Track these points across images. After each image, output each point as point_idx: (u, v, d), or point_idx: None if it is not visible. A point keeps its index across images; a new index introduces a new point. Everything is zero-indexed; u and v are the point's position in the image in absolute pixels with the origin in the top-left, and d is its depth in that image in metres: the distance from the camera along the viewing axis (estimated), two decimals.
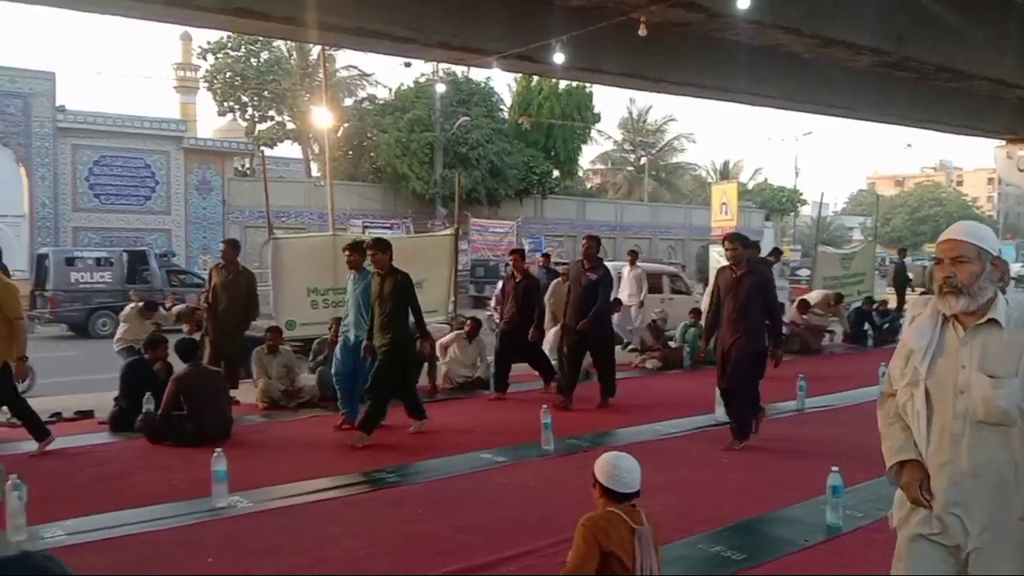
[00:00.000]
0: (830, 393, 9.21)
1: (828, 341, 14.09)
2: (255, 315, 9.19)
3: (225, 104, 36.24)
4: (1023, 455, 2.28)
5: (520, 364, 9.54)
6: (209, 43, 35.55)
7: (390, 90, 36.17)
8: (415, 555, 4.35)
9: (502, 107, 37.14)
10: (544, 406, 6.97)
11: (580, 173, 46.78)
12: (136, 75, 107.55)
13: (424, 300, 10.26)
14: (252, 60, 35.40)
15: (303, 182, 34.01)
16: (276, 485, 5.66)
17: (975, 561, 2.31)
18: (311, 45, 31.73)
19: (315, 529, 4.79)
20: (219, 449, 5.28)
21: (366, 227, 27.24)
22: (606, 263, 9.03)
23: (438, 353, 9.53)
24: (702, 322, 9.24)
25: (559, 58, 11.35)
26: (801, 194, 56.64)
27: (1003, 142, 20.25)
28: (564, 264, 14.16)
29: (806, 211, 61.46)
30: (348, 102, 36.44)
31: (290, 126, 37.27)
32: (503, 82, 39.81)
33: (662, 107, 67.09)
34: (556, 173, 38.06)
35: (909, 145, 73.12)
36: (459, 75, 34.00)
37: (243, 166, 35.99)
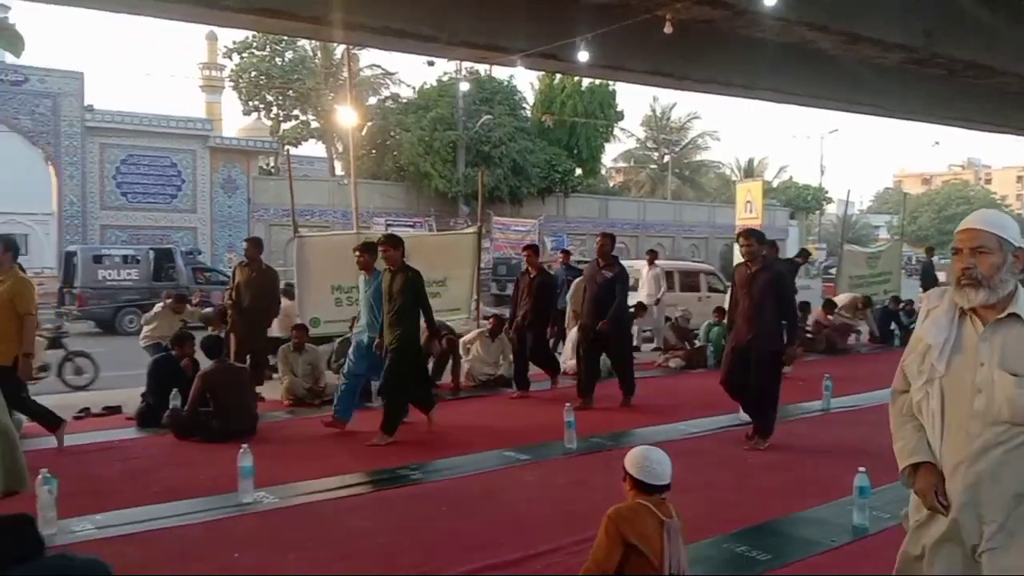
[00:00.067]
0: (856, 393, 9.12)
1: (854, 341, 13.96)
2: (277, 312, 9.27)
3: (250, 103, 36.53)
4: None
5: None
6: (234, 43, 35.86)
7: (414, 89, 36.28)
8: (440, 551, 4.36)
9: (525, 105, 37.12)
10: (567, 404, 6.95)
11: (603, 171, 46.64)
12: (162, 75, 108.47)
13: (447, 298, 10.36)
14: (277, 59, 35.64)
15: (327, 180, 34.21)
16: (301, 481, 5.70)
17: (989, 560, 2.23)
18: (335, 44, 31.92)
19: (340, 525, 4.82)
20: (245, 445, 5.32)
21: (389, 225, 27.37)
22: (629, 261, 8.98)
23: (461, 351, 9.55)
24: (726, 321, 9.17)
25: (583, 56, 11.33)
26: (827, 192, 56.21)
27: None
28: (585, 262, 14.16)
29: (831, 209, 60.98)
30: (372, 101, 36.59)
31: (314, 125, 37.50)
32: (526, 80, 39.83)
33: (686, 104, 66.68)
34: (579, 171, 37.99)
35: (937, 143, 72.59)
36: (482, 73, 34.05)
37: (268, 165, 36.26)
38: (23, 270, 8.60)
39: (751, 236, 6.73)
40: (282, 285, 9.70)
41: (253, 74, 35.54)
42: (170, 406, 7.21)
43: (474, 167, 31.11)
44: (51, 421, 6.61)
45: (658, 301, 13.12)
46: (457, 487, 5.68)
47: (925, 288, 17.17)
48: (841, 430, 7.66)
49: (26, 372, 6.13)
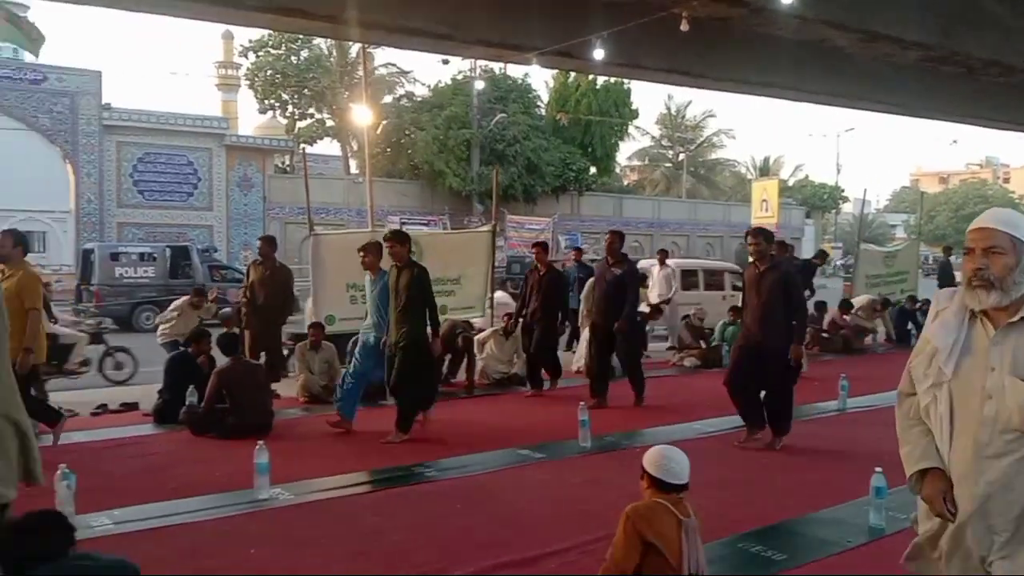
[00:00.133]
0: (873, 393, 9.05)
1: (871, 341, 13.88)
2: (291, 310, 9.30)
3: (266, 102, 36.69)
4: None
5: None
6: (250, 41, 36.02)
7: (428, 87, 36.33)
8: (455, 549, 4.37)
9: (539, 103, 37.11)
10: (581, 403, 6.95)
11: (617, 169, 46.59)
12: (179, 73, 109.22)
13: (462, 296, 10.37)
14: (292, 58, 35.78)
15: (342, 179, 34.33)
16: (316, 478, 5.72)
17: (999, 568, 2.15)
18: (350, 43, 32.01)
19: (355, 522, 4.84)
20: (261, 442, 5.35)
21: (403, 223, 27.42)
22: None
23: (475, 349, 9.56)
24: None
25: (599, 54, 11.32)
26: (843, 191, 55.87)
27: None
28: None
29: (848, 208, 60.62)
30: (387, 100, 36.67)
31: (329, 123, 37.62)
32: (540, 79, 39.76)
33: (701, 102, 66.55)
34: (593, 170, 37.95)
35: (955, 141, 71.93)
36: (497, 72, 34.06)
37: (283, 163, 36.41)
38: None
39: (759, 235, 6.69)
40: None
41: (269, 73, 35.69)
42: (186, 403, 7.25)
43: (488, 165, 31.13)
44: (50, 418, 6.58)
45: (668, 301, 13.02)
46: (471, 485, 5.69)
47: (940, 287, 17.08)
48: (857, 430, 7.62)
49: (24, 366, 6.02)
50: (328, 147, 40.90)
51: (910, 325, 14.29)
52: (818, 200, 54.22)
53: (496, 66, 32.90)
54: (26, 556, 2.41)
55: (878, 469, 4.66)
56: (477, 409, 8.49)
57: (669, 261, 13.92)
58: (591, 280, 10.58)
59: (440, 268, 10.18)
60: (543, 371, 9.32)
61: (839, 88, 14.68)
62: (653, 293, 12.88)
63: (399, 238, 7.02)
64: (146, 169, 28.62)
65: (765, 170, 54.10)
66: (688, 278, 14.83)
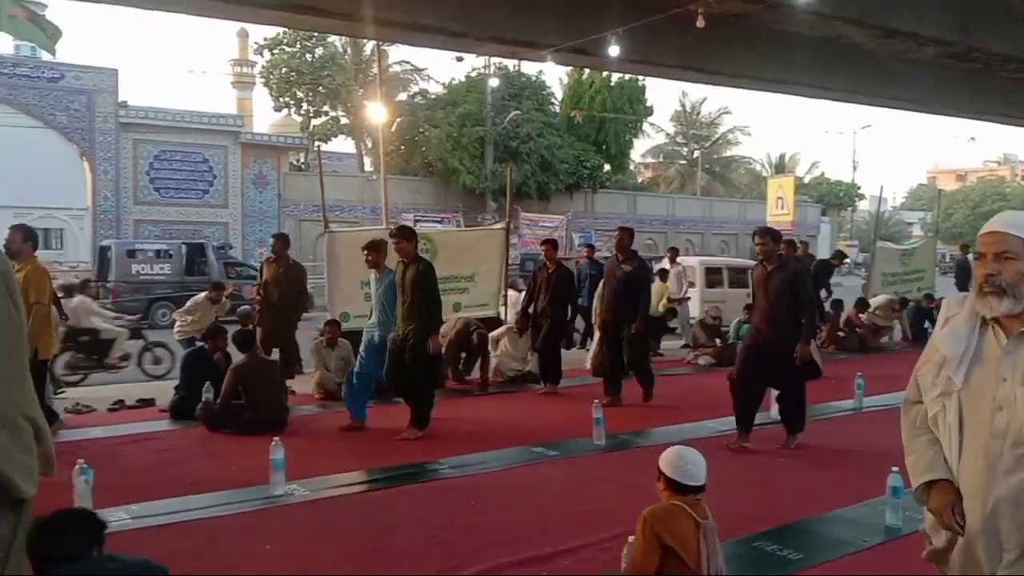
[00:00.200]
0: (889, 392, 8.98)
1: (887, 340, 13.79)
2: (305, 307, 9.33)
3: (281, 99, 36.80)
4: None
5: (568, 358, 9.45)
6: (265, 39, 36.15)
7: (443, 85, 36.34)
8: (469, 546, 4.38)
9: (553, 101, 37.04)
10: (596, 401, 6.94)
11: (632, 167, 46.47)
12: (195, 71, 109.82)
13: (475, 294, 10.37)
14: (307, 56, 35.87)
15: (356, 176, 34.40)
16: (332, 474, 5.75)
17: None
18: (365, 41, 32.05)
19: (370, 518, 4.85)
20: (277, 438, 5.37)
21: (417, 220, 27.47)
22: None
23: (490, 346, 9.57)
24: None
25: (614, 51, 11.30)
26: (859, 188, 55.48)
27: None
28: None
29: (864, 206, 60.25)
30: (401, 97, 36.72)
31: (344, 121, 37.70)
32: (554, 76, 39.82)
33: (716, 99, 66.28)
34: (607, 167, 37.85)
35: (972, 138, 71.02)
36: (511, 69, 34.03)
37: (298, 161, 36.53)
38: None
39: (766, 235, 6.63)
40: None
41: (284, 70, 35.80)
42: (203, 399, 7.30)
43: (502, 163, 31.12)
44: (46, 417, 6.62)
45: (681, 301, 12.94)
46: (486, 482, 5.70)
47: (960, 286, 16.94)
48: (874, 429, 7.57)
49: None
50: (342, 145, 41.05)
51: (927, 324, 14.18)
52: (834, 197, 53.85)
53: (510, 63, 32.87)
54: (50, 555, 2.42)
55: (895, 469, 4.63)
56: (491, 406, 8.50)
57: (691, 259, 13.86)
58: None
59: (454, 265, 10.18)
60: (546, 370, 9.22)
61: (855, 85, 14.58)
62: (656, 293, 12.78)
63: (405, 234, 7.00)
64: (162, 166, 28.78)
65: (781, 167, 53.80)
66: (712, 276, 14.78)
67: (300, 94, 36.73)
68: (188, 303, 9.95)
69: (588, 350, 10.93)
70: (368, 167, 37.44)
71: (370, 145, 36.78)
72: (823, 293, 12.97)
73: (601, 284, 10.43)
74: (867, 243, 35.30)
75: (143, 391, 8.78)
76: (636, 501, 5.03)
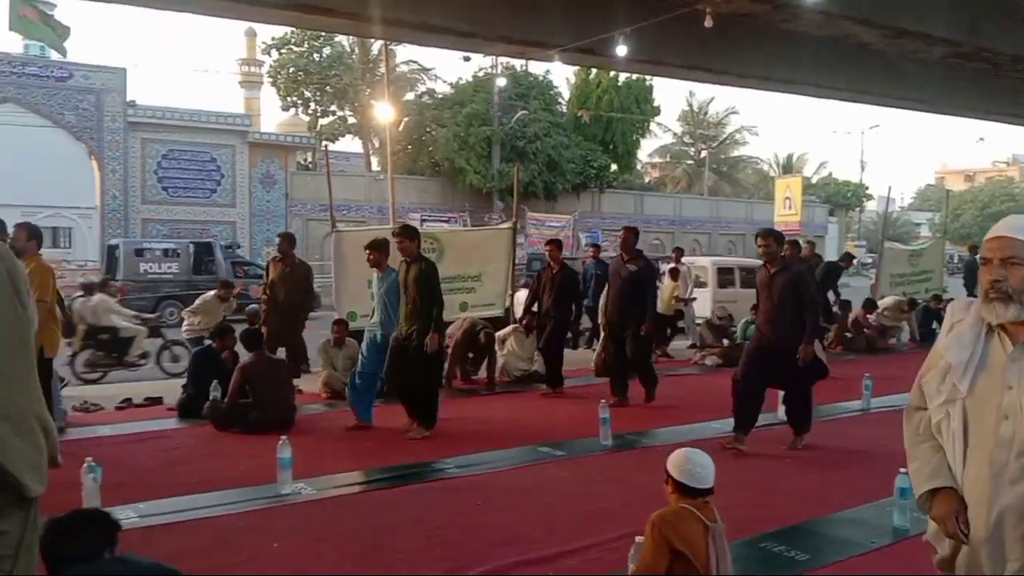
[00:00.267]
0: (897, 393, 8.92)
1: (895, 341, 13.75)
2: (312, 306, 9.35)
3: (288, 99, 36.88)
4: None
5: (574, 358, 9.43)
6: (273, 39, 36.24)
7: (450, 84, 36.35)
8: (475, 546, 4.38)
9: (560, 100, 37.02)
10: (602, 401, 6.94)
11: (638, 167, 46.42)
12: (202, 70, 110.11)
13: (482, 293, 10.37)
14: (315, 55, 35.93)
15: (363, 176, 34.45)
16: (338, 473, 5.76)
17: None
18: (372, 40, 32.10)
19: (377, 517, 4.86)
20: (284, 437, 5.38)
21: (424, 220, 27.52)
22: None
23: (496, 346, 9.57)
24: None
25: (622, 51, 11.29)
26: (867, 188, 55.31)
27: None
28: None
29: (872, 206, 60.02)
30: (408, 97, 36.75)
31: (351, 121, 37.75)
32: (561, 75, 39.81)
33: (724, 99, 66.17)
34: (614, 167, 37.83)
35: (981, 139, 70.81)
36: (518, 69, 34.03)
37: (305, 160, 36.59)
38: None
39: (769, 236, 6.61)
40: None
41: (291, 70, 35.87)
42: (210, 397, 7.32)
43: (509, 162, 31.13)
44: None
45: (687, 301, 12.88)
46: (492, 482, 5.70)
47: (968, 287, 16.87)
48: (881, 430, 7.53)
49: None
50: (350, 144, 41.11)
51: (935, 324, 14.13)
52: (842, 198, 53.71)
53: (517, 63, 32.89)
54: (63, 556, 2.42)
55: (903, 470, 4.61)
56: (497, 406, 8.50)
57: (703, 259, 13.81)
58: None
59: (461, 265, 10.19)
60: (547, 370, 9.19)
61: (863, 85, 14.54)
62: (668, 291, 12.74)
63: (408, 233, 6.99)
64: (170, 166, 28.87)
65: (788, 167, 53.67)
66: (724, 276, 14.75)
67: (308, 94, 36.79)
68: (197, 301, 9.98)
69: (595, 350, 10.92)
70: (375, 167, 37.50)
71: (377, 145, 36.85)
72: (831, 295, 12.93)
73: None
74: (875, 244, 35.20)
75: (151, 389, 8.80)
76: (643, 501, 5.04)
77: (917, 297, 14.52)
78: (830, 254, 41.65)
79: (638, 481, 5.60)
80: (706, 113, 51.95)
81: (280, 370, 7.40)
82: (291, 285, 8.89)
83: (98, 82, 27.56)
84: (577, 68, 34.98)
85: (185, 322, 9.85)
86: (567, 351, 10.79)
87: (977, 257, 16.67)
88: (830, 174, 57.48)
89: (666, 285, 12.33)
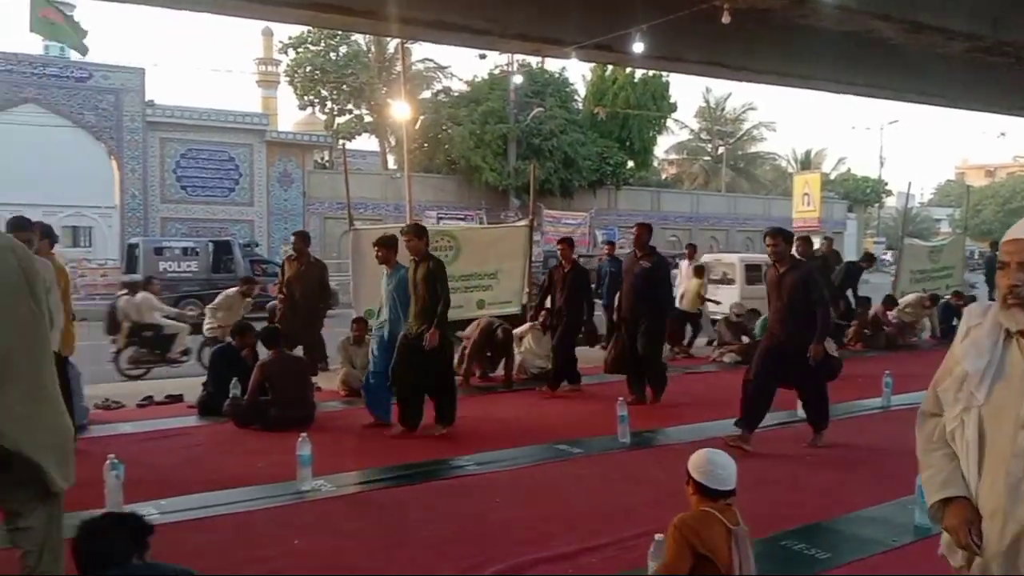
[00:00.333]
0: (918, 390, 8.83)
1: (916, 338, 13.63)
2: (329, 303, 9.39)
3: (305, 98, 37.02)
4: None
5: (591, 356, 9.41)
6: (290, 38, 36.40)
7: (467, 82, 36.35)
8: (494, 542, 4.39)
9: (576, 97, 36.95)
10: (620, 399, 6.92)
11: (655, 163, 46.23)
12: (220, 70, 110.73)
13: (499, 291, 10.38)
14: (331, 54, 36.04)
15: (379, 174, 34.54)
16: (358, 470, 5.79)
17: None
18: (389, 39, 32.15)
19: (396, 514, 4.88)
20: (304, 434, 5.41)
21: (440, 218, 27.60)
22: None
23: (514, 344, 9.57)
24: None
25: (638, 47, 11.26)
26: (886, 184, 54.82)
27: None
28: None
29: (891, 202, 59.60)
30: (425, 95, 36.80)
31: (367, 119, 37.85)
32: (577, 72, 39.69)
33: (741, 95, 65.79)
34: (631, 163, 37.72)
35: (1003, 134, 70.11)
36: (534, 66, 33.99)
37: (322, 159, 36.72)
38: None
39: (778, 235, 6.54)
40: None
41: (308, 69, 36.00)
42: (230, 395, 7.37)
43: (525, 160, 31.11)
44: None
45: (703, 300, 12.77)
46: (511, 479, 5.71)
47: (990, 283, 16.70)
48: (902, 428, 7.39)
49: None
50: (366, 143, 41.25)
51: (955, 321, 14.01)
52: (861, 194, 53.28)
53: (533, 60, 32.85)
54: (92, 558, 2.43)
55: None
56: (515, 403, 8.51)
57: (731, 256, 13.75)
58: None
59: (478, 263, 10.21)
60: (554, 371, 9.08)
61: (883, 80, 14.44)
62: (681, 288, 12.69)
63: (416, 232, 6.96)
64: (189, 165, 29.07)
65: (807, 163, 53.34)
66: (751, 272, 14.70)
67: (324, 92, 36.93)
68: (219, 298, 10.05)
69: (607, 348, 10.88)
70: (392, 165, 37.59)
71: (393, 143, 36.93)
72: (849, 294, 12.89)
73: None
74: (894, 240, 34.88)
75: (172, 387, 8.88)
76: (662, 499, 5.05)
77: (938, 293, 14.39)
78: (849, 250, 41.37)
79: (657, 479, 5.59)
80: (723, 109, 51.71)
81: (299, 368, 7.45)
82: (307, 283, 8.93)
83: (117, 82, 27.79)
84: (593, 65, 34.88)
85: (207, 319, 9.92)
86: (587, 349, 10.81)
87: (998, 252, 16.58)
88: (849, 170, 57.09)
89: (692, 283, 12.30)
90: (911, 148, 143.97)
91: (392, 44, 35.45)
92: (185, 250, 19.72)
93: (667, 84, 37.38)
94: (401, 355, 6.85)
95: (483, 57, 25.83)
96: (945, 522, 2.08)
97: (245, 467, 5.86)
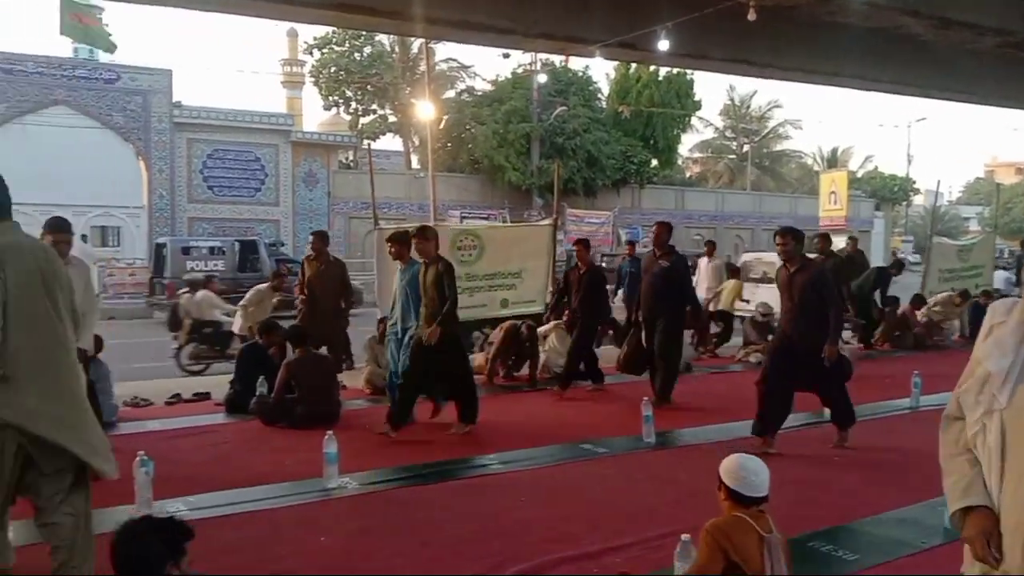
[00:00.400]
0: (947, 391, 8.68)
1: (944, 339, 13.45)
2: (351, 301, 9.45)
3: (330, 98, 37.22)
4: None
5: (614, 356, 9.37)
6: (315, 39, 36.62)
7: (491, 82, 36.36)
8: (520, 541, 4.39)
9: (600, 96, 36.83)
10: (645, 399, 6.90)
11: (680, 162, 46.00)
12: (245, 71, 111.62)
13: (523, 290, 10.39)
14: (356, 55, 36.22)
15: (403, 174, 34.65)
16: (383, 468, 5.82)
17: None
18: (413, 39, 32.25)
19: (421, 512, 4.90)
20: (330, 432, 5.45)
21: (463, 218, 27.62)
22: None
23: (539, 342, 9.57)
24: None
25: (663, 45, 11.21)
26: (914, 182, 54.20)
27: None
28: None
29: (919, 200, 58.88)
30: (448, 95, 36.86)
31: (391, 119, 37.99)
32: (601, 70, 39.58)
33: (766, 93, 65.23)
34: (655, 162, 37.53)
35: None
36: (557, 65, 33.94)
37: (347, 159, 36.90)
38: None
39: (787, 235, 6.47)
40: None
41: (333, 69, 36.20)
42: (257, 393, 7.43)
43: (548, 159, 31.07)
44: None
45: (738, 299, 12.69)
46: (535, 478, 5.71)
47: (1019, 282, 16.48)
48: (931, 429, 7.27)
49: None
50: (390, 143, 41.37)
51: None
52: (888, 192, 52.68)
53: (557, 59, 32.79)
54: (127, 560, 2.44)
55: None
56: (539, 402, 8.51)
57: (770, 254, 13.61)
58: None
59: (501, 262, 10.22)
60: (569, 372, 8.97)
61: (911, 76, 14.26)
62: (701, 286, 12.40)
63: (425, 234, 6.95)
64: (215, 165, 29.33)
65: (833, 161, 52.84)
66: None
67: (349, 93, 37.11)
68: (249, 293, 10.15)
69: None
70: (415, 164, 37.70)
71: (417, 143, 37.04)
72: (876, 299, 12.81)
73: None
74: (922, 239, 34.44)
75: (198, 385, 8.97)
76: (686, 500, 5.03)
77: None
78: (876, 249, 40.95)
79: (681, 479, 5.57)
80: (748, 107, 51.36)
81: (325, 366, 7.50)
82: (327, 283, 8.96)
83: (145, 84, 28.10)
84: (617, 63, 34.75)
85: (238, 316, 10.00)
86: (611, 348, 10.78)
87: None
88: (876, 168, 56.46)
89: (729, 283, 12.24)
90: (939, 145, 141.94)
91: (416, 44, 35.58)
92: (212, 250, 19.92)
93: (691, 82, 37.16)
94: (415, 357, 6.87)
95: (507, 56, 25.88)
96: (964, 533, 1.99)
97: (272, 464, 5.90)
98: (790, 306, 6.44)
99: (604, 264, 22.76)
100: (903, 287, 13.96)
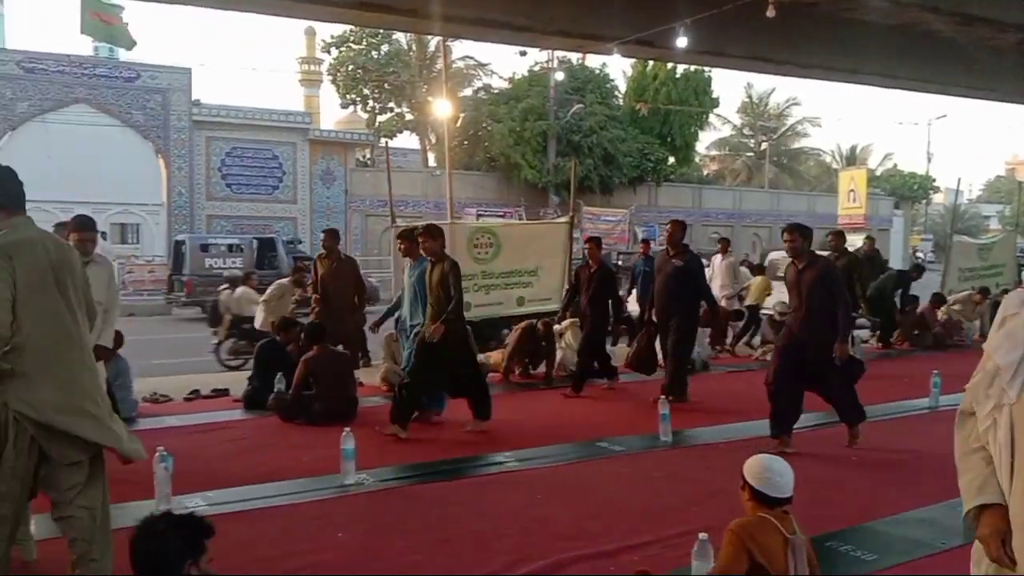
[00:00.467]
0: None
1: (964, 339, 13.32)
2: (365, 297, 9.47)
3: (347, 96, 37.28)
4: None
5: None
6: (332, 37, 36.64)
7: (508, 79, 36.32)
8: (537, 539, 4.40)
9: (617, 93, 36.69)
10: (661, 397, 6.89)
11: (697, 159, 45.75)
12: (263, 69, 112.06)
13: (539, 288, 10.39)
14: (373, 53, 36.24)
15: (420, 172, 34.69)
16: (400, 464, 5.84)
17: None
18: (430, 37, 32.27)
19: (438, 508, 4.92)
20: (348, 428, 5.47)
21: (480, 215, 27.62)
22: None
23: (556, 340, 9.57)
24: None
25: (681, 42, 11.14)
26: (934, 180, 53.66)
27: None
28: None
29: (939, 199, 58.29)
30: (465, 92, 36.85)
31: (408, 117, 38.04)
32: (618, 68, 39.33)
33: (785, 90, 64.78)
34: (672, 160, 37.34)
35: None
36: (574, 62, 33.87)
37: (364, 157, 36.98)
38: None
39: (795, 231, 6.41)
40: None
41: (350, 68, 36.23)
42: (275, 389, 7.47)
43: (565, 157, 31.01)
44: None
45: (736, 296, 12.58)
46: (552, 475, 5.72)
47: None
48: (950, 428, 7.27)
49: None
50: (407, 140, 41.43)
51: None
52: (908, 190, 52.18)
53: (573, 56, 32.72)
54: (146, 556, 2.44)
55: None
56: (556, 400, 8.51)
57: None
58: None
59: (518, 259, 10.23)
60: (583, 371, 8.94)
61: (931, 74, 14.13)
62: (715, 284, 12.19)
63: (431, 233, 6.95)
64: (234, 163, 29.48)
65: (852, 159, 52.39)
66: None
67: (366, 91, 37.13)
68: (270, 288, 10.22)
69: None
70: (432, 162, 37.73)
71: (434, 141, 37.05)
72: (897, 302, 12.76)
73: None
74: (941, 237, 34.11)
75: (217, 381, 9.03)
76: (704, 498, 5.02)
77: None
78: (895, 248, 40.64)
79: (698, 478, 5.56)
80: (766, 104, 51.04)
81: (342, 363, 7.53)
82: (339, 280, 8.99)
83: (164, 82, 28.28)
84: (634, 60, 34.62)
85: (259, 311, 10.06)
86: (625, 346, 10.76)
87: None
88: (895, 166, 55.90)
89: (757, 280, 12.21)
90: (960, 143, 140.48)
91: (433, 42, 35.56)
92: (230, 247, 20.06)
93: (709, 79, 36.95)
94: (419, 355, 6.87)
95: (523, 54, 25.84)
96: (978, 531, 1.96)
97: (290, 460, 5.94)
98: (798, 303, 6.40)
99: (620, 262, 22.80)
100: (923, 286, 13.85)
